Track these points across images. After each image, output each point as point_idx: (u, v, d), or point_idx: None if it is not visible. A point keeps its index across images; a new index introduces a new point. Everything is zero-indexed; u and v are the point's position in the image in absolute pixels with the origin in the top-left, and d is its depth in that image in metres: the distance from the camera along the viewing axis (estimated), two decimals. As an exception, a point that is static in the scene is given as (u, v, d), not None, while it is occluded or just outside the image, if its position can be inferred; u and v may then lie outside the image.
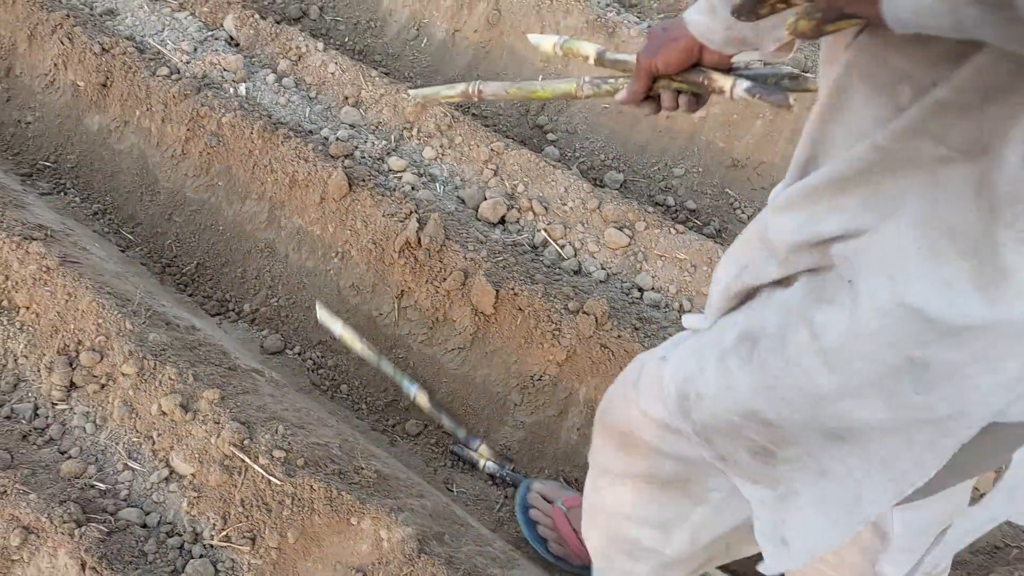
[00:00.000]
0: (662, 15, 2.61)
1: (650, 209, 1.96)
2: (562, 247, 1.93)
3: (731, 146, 2.25)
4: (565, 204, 2.00)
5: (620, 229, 1.92)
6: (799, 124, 2.21)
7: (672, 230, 1.91)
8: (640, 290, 1.87)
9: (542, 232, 1.95)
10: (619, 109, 2.39)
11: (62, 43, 2.26)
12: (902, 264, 0.73)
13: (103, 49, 2.23)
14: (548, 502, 1.56)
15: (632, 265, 1.90)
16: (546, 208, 2.00)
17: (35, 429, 1.49)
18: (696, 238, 1.90)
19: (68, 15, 2.30)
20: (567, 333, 1.71)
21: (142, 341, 1.56)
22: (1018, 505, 0.89)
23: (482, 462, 1.74)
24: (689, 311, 1.82)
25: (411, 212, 1.92)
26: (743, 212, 2.21)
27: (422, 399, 1.77)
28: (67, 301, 1.62)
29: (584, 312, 1.70)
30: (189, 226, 2.13)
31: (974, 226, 0.69)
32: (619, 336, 1.69)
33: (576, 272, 1.89)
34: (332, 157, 2.05)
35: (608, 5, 2.57)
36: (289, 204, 2.04)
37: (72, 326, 1.59)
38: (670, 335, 1.71)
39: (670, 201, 2.25)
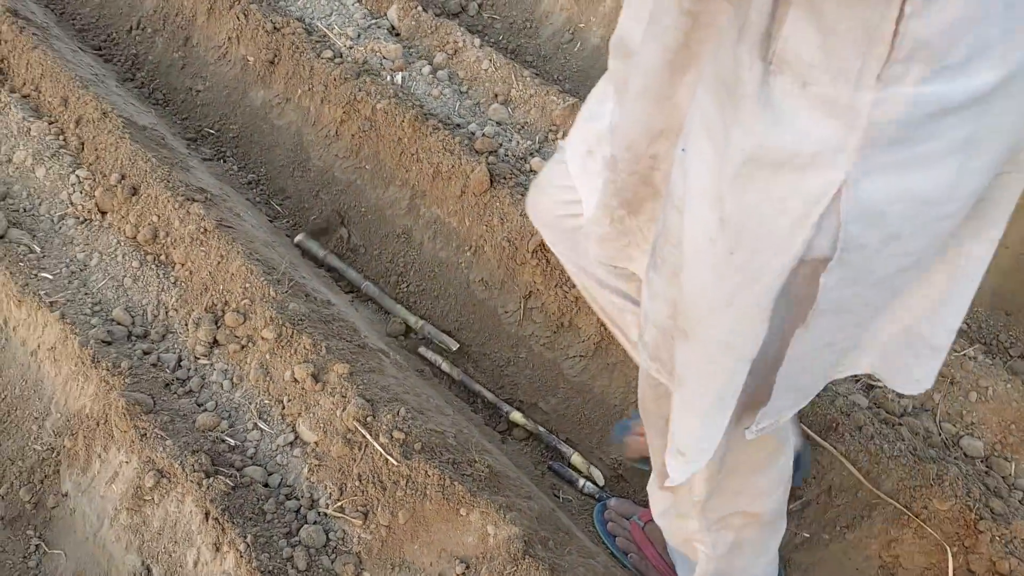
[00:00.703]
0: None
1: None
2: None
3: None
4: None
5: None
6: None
7: None
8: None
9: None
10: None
11: (238, 19, 2.39)
12: (708, 121, 0.83)
13: (274, 28, 2.34)
14: (625, 518, 1.55)
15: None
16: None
17: (177, 379, 1.58)
18: None
19: (246, -7, 2.43)
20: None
21: (283, 309, 1.63)
22: (835, 334, 0.91)
23: (581, 482, 1.71)
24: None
25: (549, 214, 1.92)
26: None
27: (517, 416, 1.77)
28: (219, 263, 1.70)
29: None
30: (334, 204, 2.21)
31: (737, 68, 0.78)
32: (750, 365, 1.63)
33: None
34: (477, 152, 2.07)
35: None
36: (431, 194, 2.08)
37: (221, 287, 1.67)
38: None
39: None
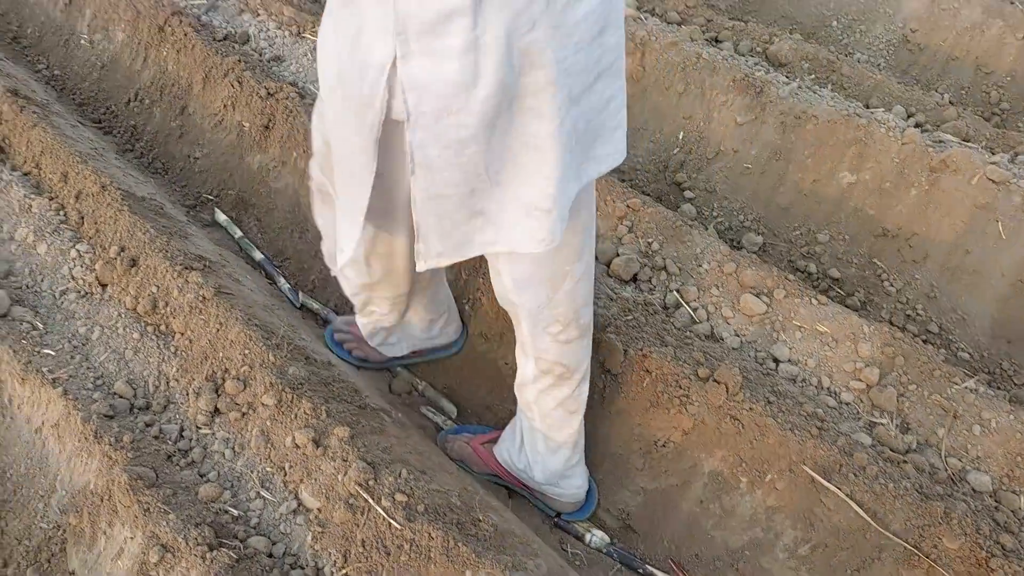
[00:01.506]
0: (812, 75, 2.54)
1: (791, 277, 1.89)
2: (695, 310, 1.89)
3: (882, 215, 2.15)
4: (700, 265, 1.96)
5: (757, 296, 1.86)
6: (958, 197, 2.09)
7: (814, 300, 1.84)
8: (776, 361, 1.80)
9: (675, 293, 1.92)
10: (762, 169, 2.34)
11: (232, 86, 2.44)
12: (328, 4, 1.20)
13: (268, 93, 2.38)
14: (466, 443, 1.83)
15: (768, 334, 1.83)
16: (680, 268, 1.97)
17: (179, 450, 1.58)
18: (840, 311, 1.82)
19: (240, 60, 2.48)
20: (696, 400, 1.66)
21: (282, 374, 1.64)
22: (443, 188, 1.17)
23: (587, 536, 1.70)
24: (829, 387, 1.74)
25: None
26: (891, 285, 2.10)
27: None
28: (218, 330, 1.72)
29: (715, 380, 1.65)
30: (332, 263, 2.23)
31: None
32: (751, 409, 1.63)
33: (708, 337, 1.85)
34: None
35: (756, 64, 2.53)
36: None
37: (221, 354, 1.69)
38: (806, 412, 1.64)
39: (812, 268, 2.17)
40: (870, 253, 2.16)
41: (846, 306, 2.08)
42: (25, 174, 2.13)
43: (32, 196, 2.05)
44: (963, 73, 2.69)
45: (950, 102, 2.53)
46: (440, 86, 1.07)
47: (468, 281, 2.03)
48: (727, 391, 1.64)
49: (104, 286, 1.86)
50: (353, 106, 1.16)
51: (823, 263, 2.18)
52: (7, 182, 2.09)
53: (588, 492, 1.74)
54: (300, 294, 2.14)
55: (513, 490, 1.79)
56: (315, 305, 2.11)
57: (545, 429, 1.61)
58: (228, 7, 2.85)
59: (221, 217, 2.32)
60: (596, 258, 2.05)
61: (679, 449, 1.71)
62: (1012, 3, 2.77)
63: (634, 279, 1.97)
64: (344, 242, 1.37)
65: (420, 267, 1.27)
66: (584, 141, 1.22)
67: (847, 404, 1.71)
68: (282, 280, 2.17)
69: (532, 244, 1.23)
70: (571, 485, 1.70)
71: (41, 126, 2.19)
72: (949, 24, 2.73)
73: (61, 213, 2.02)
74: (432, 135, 1.11)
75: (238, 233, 2.28)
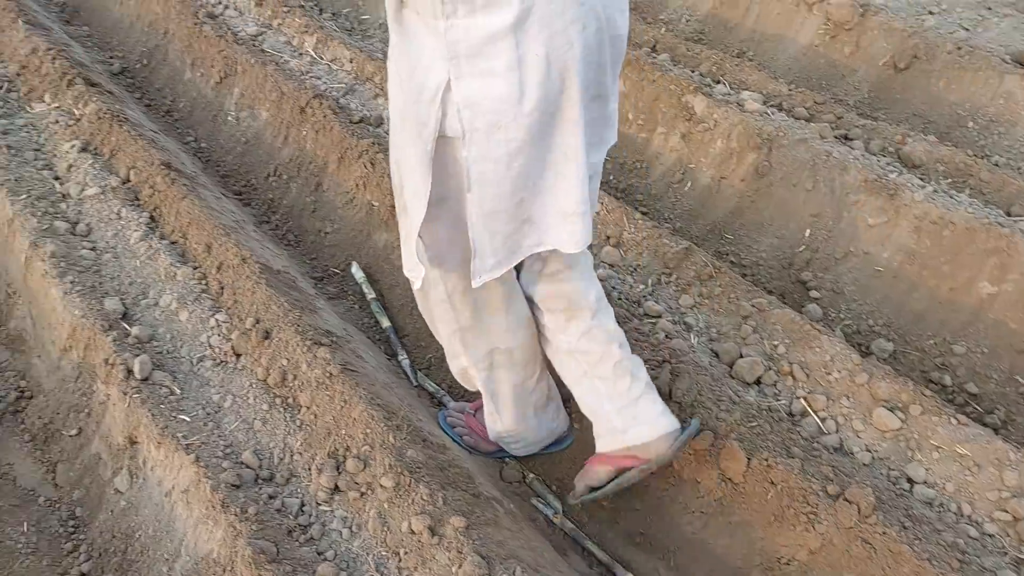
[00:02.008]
0: (947, 179, 2.45)
1: (927, 392, 1.80)
2: (823, 420, 1.81)
3: (1025, 329, 2.04)
4: (829, 373, 1.89)
5: (891, 410, 1.77)
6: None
7: (953, 420, 1.74)
8: (911, 482, 1.70)
9: (801, 401, 1.85)
10: (895, 273, 2.26)
11: (365, 167, 2.55)
12: (391, 40, 1.36)
13: (399, 175, 2.47)
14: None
15: (903, 452, 1.74)
16: (808, 375, 1.91)
17: (299, 525, 1.61)
18: (982, 433, 1.71)
19: (374, 143, 2.60)
20: (824, 519, 1.58)
21: (401, 456, 1.65)
22: (497, 203, 1.33)
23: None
24: (970, 516, 1.62)
25: (664, 360, 1.91)
26: (1036, 405, 1.97)
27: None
28: (342, 407, 1.76)
29: (846, 499, 1.57)
30: (449, 343, 2.26)
31: (390, 8, 1.30)
32: (884, 533, 1.54)
33: (837, 450, 1.77)
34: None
35: (889, 164, 2.48)
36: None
37: (344, 431, 1.72)
38: (946, 541, 1.53)
39: (947, 380, 2.06)
40: (1011, 369, 2.03)
41: (984, 424, 1.96)
42: (172, 243, 2.27)
43: (178, 265, 2.17)
44: (1114, 181, 2.55)
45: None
46: (490, 103, 1.22)
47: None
48: (859, 512, 1.55)
49: (238, 356, 1.94)
50: (411, 127, 1.31)
51: (959, 376, 2.07)
52: (156, 249, 2.22)
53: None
54: (419, 373, 2.17)
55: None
56: (431, 386, 2.14)
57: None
58: (365, 91, 3.00)
59: (359, 274, 2.39)
60: (718, 356, 2.01)
61: (804, 569, 1.62)
62: None
63: (758, 382, 1.92)
64: (406, 260, 1.50)
65: (475, 283, 1.42)
66: (593, 144, 1.40)
67: (991, 536, 1.59)
68: (403, 355, 2.21)
69: (571, 245, 1.40)
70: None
71: (190, 198, 2.33)
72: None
73: (203, 282, 2.13)
74: (485, 150, 1.26)
75: (371, 294, 2.33)
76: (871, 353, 2.15)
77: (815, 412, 1.83)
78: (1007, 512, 1.60)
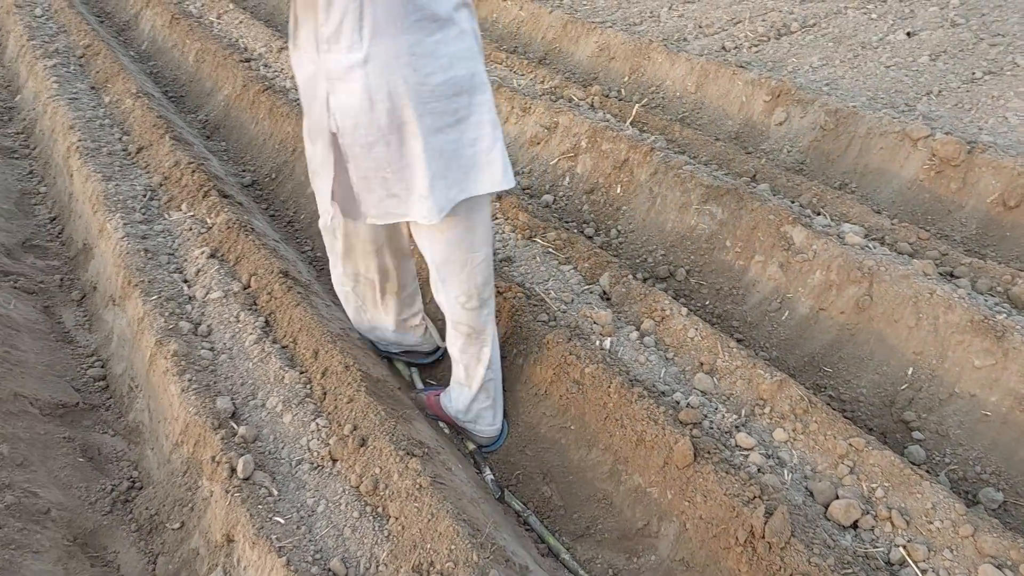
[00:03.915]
0: (1064, 322, 2.36)
1: (1040, 551, 1.69)
2: (924, 572, 1.72)
3: None
4: (931, 522, 1.81)
5: (999, 568, 1.67)
6: None
7: (1069, 585, 1.62)
8: (1021, 649, 1.58)
9: (900, 549, 1.77)
10: (1004, 419, 2.16)
11: (467, 282, 2.66)
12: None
13: (499, 292, 2.57)
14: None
15: (1012, 615, 1.63)
16: (907, 522, 1.83)
17: (379, 638, 1.63)
18: (1103, 603, 1.59)
19: (477, 260, 2.71)
20: None
21: (483, 575, 1.66)
22: (367, 173, 1.88)
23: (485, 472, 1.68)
24: None
25: (755, 496, 1.87)
26: None
27: None
28: (429, 520, 1.79)
29: (948, 663, 1.48)
30: (537, 460, 2.28)
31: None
32: None
33: (939, 606, 1.67)
34: (681, 423, 2.10)
35: (997, 305, 2.41)
36: (632, 461, 2.10)
37: (429, 546, 1.75)
38: None
39: (1064, 539, 1.92)
40: None
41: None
42: (283, 347, 2.41)
43: (286, 368, 2.30)
44: None
45: None
46: (352, 110, 1.76)
47: (672, 502, 1.99)
48: None
49: (335, 461, 2.02)
50: (315, 125, 1.86)
51: (1079, 535, 1.93)
52: (268, 353, 2.36)
53: (500, 433, 2.36)
54: (504, 490, 2.19)
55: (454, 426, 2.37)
56: (517, 504, 2.15)
57: (463, 378, 2.24)
58: (471, 209, 3.16)
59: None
60: (812, 496, 1.96)
61: None
62: None
63: (854, 526, 1.85)
64: (322, 207, 2.02)
65: (368, 221, 1.99)
66: (458, 164, 1.85)
67: None
68: (488, 471, 2.24)
69: (422, 219, 1.88)
70: (484, 423, 2.31)
71: (302, 306, 2.48)
72: None
73: (308, 387, 2.24)
74: (354, 140, 1.81)
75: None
76: (978, 503, 2.04)
77: (915, 563, 1.74)
78: None
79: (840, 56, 4.30)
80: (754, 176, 3.29)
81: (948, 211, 3.13)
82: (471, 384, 2.24)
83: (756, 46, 4.53)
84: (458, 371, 2.26)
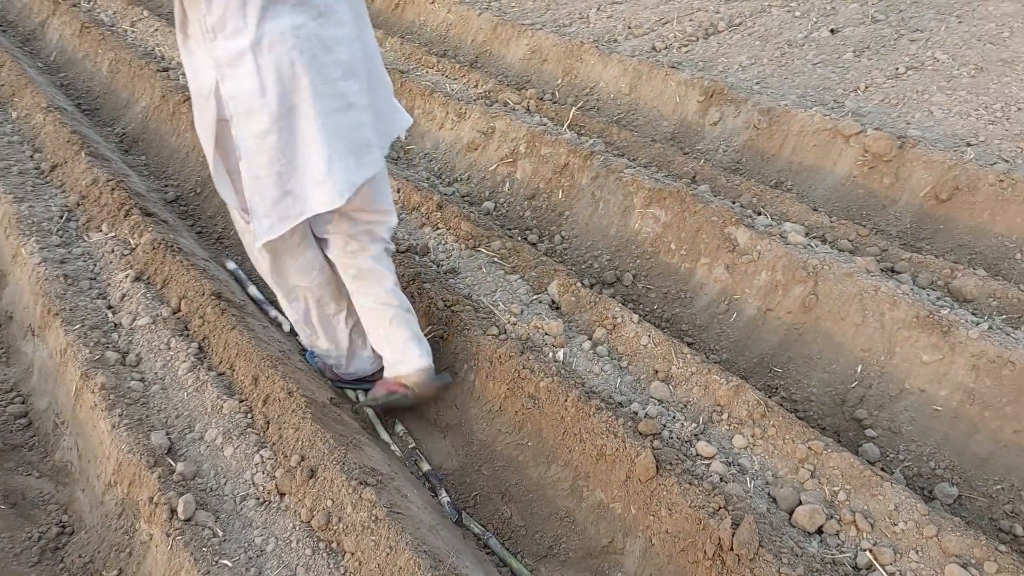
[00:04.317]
0: (1002, 314, 2.41)
1: (1002, 548, 1.71)
2: (893, 574, 1.72)
3: (1100, 477, 1.94)
4: (895, 524, 1.81)
5: (964, 567, 1.68)
6: None
7: (1033, 580, 1.63)
8: (991, 647, 1.59)
9: (867, 553, 1.76)
10: (954, 413, 2.19)
11: (413, 297, 2.57)
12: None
13: (446, 305, 2.49)
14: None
15: (981, 614, 1.63)
16: (872, 525, 1.82)
17: None
18: (1067, 596, 1.61)
19: (420, 273, 2.63)
20: None
21: (448, 610, 1.58)
22: (260, 170, 1.87)
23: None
24: None
25: (720, 507, 1.84)
26: (1119, 560, 1.85)
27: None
28: (388, 555, 1.70)
29: (925, 670, 1.47)
30: (494, 480, 2.21)
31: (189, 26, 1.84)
32: None
33: (909, 609, 1.67)
34: (641, 434, 2.05)
35: (939, 299, 2.44)
36: (594, 476, 2.05)
37: (389, 581, 1.66)
38: None
39: (1018, 530, 1.95)
40: (1089, 520, 1.93)
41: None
42: (220, 374, 2.28)
43: (224, 397, 2.17)
44: None
45: None
46: (243, 95, 1.77)
47: (636, 517, 1.95)
48: None
49: (282, 495, 1.91)
50: (200, 113, 1.87)
51: (1032, 526, 1.97)
52: (204, 381, 2.23)
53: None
54: (462, 512, 2.12)
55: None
56: (477, 528, 2.08)
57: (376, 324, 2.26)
58: (411, 220, 3.07)
59: (399, 427, 2.38)
60: (776, 502, 1.94)
61: None
62: None
63: (819, 531, 1.84)
64: (228, 200, 2.02)
65: (257, 244, 2.02)
66: (351, 148, 1.89)
67: None
68: (444, 494, 2.16)
69: (323, 206, 1.89)
70: (413, 353, 2.26)
71: (239, 329, 2.35)
72: None
73: (249, 416, 2.12)
74: (247, 129, 1.80)
75: (411, 444, 2.31)
76: (935, 498, 2.06)
77: (883, 567, 1.74)
78: None
79: (768, 55, 4.36)
80: (694, 178, 3.28)
81: (882, 206, 3.18)
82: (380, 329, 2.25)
83: (685, 46, 4.56)
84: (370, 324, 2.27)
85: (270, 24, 1.74)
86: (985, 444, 2.12)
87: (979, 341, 2.20)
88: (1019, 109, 3.57)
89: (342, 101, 1.85)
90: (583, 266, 2.98)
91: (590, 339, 2.44)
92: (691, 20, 4.85)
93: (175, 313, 2.50)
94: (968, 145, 3.32)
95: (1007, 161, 3.21)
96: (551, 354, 2.35)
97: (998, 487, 2.05)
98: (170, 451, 2.04)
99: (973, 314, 2.38)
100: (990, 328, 2.26)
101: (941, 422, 2.19)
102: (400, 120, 2.11)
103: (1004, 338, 2.22)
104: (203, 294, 2.49)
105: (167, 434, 2.09)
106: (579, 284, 2.62)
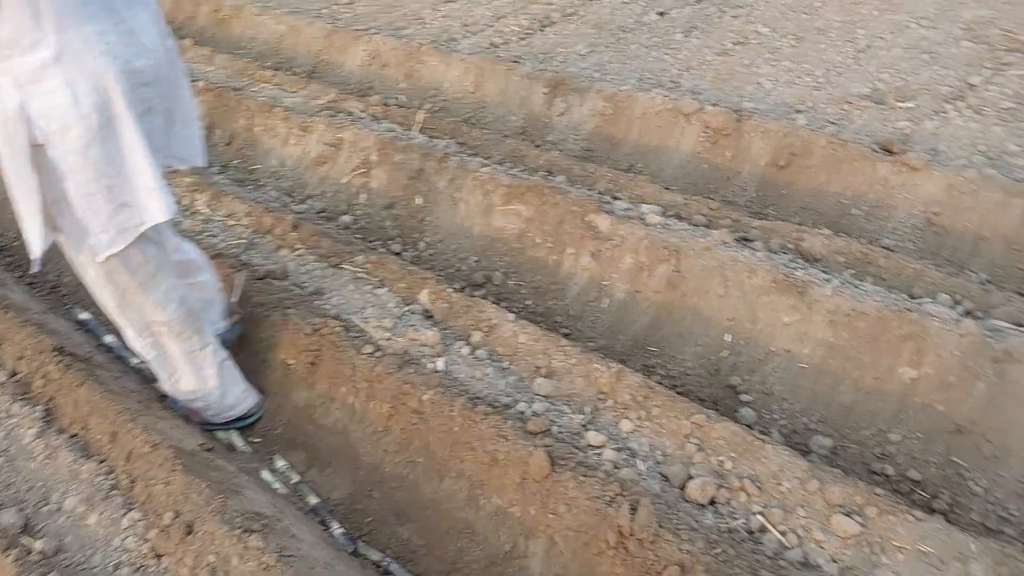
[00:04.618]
0: (849, 269, 2.56)
1: (879, 491, 1.80)
2: (784, 534, 1.78)
3: (952, 410, 2.09)
4: (780, 484, 1.88)
5: (848, 515, 1.76)
6: (1028, 384, 2.04)
7: (910, 516, 1.73)
8: (882, 587, 1.67)
9: (759, 517, 1.82)
10: (818, 368, 2.30)
11: (275, 326, 2.45)
12: None
13: (314, 330, 2.38)
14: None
15: (868, 557, 1.72)
16: (760, 488, 1.88)
17: None
18: (940, 527, 1.71)
19: (282, 299, 2.51)
20: (809, 646, 1.53)
21: (357, 650, 1.51)
22: (87, 187, 1.76)
23: None
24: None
25: (616, 494, 1.85)
26: (977, 484, 2.00)
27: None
28: (285, 603, 1.60)
29: (827, 621, 1.52)
30: (387, 502, 2.14)
31: None
32: (871, 651, 1.49)
33: (804, 564, 1.73)
34: (531, 434, 2.04)
35: (792, 261, 2.56)
36: (489, 483, 2.02)
37: (289, 631, 1.56)
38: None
39: (889, 470, 2.08)
40: (947, 451, 2.07)
41: (932, 509, 1.98)
42: (73, 436, 2.08)
43: (81, 460, 1.99)
44: (994, 251, 2.72)
45: (989, 282, 2.55)
46: (56, 111, 1.65)
47: (536, 517, 1.93)
48: (842, 633, 1.51)
49: (159, 557, 1.77)
50: (7, 142, 1.68)
51: (900, 464, 2.09)
52: (55, 446, 2.03)
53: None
54: (357, 541, 2.03)
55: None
56: (375, 555, 2.00)
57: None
58: (266, 244, 2.93)
59: (280, 463, 2.25)
60: (668, 480, 1.97)
61: None
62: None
63: (712, 503, 1.88)
64: (30, 238, 1.80)
65: (99, 259, 1.86)
66: (177, 151, 1.95)
67: (971, 635, 1.57)
68: (336, 525, 2.07)
69: (161, 215, 1.82)
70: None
71: (88, 384, 2.16)
72: (971, 205, 2.80)
73: (111, 477, 1.95)
74: (64, 150, 1.69)
75: (295, 479, 2.20)
76: (811, 451, 2.16)
77: (774, 527, 1.80)
78: (981, 607, 1.59)
79: (604, 41, 4.45)
80: (549, 170, 3.31)
81: (727, 178, 3.31)
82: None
83: (523, 39, 4.59)
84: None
85: (72, 32, 1.63)
86: (850, 394, 2.24)
87: (833, 297, 2.33)
88: (839, 74, 3.81)
89: (145, 105, 1.80)
90: (451, 271, 2.94)
91: (468, 344, 2.41)
92: (526, 14, 4.90)
93: (13, 376, 2.26)
94: (798, 112, 3.51)
95: (835, 124, 3.42)
96: (430, 365, 2.30)
97: (866, 432, 2.17)
98: (25, 529, 1.85)
99: (824, 272, 2.51)
100: (841, 283, 2.40)
101: (808, 378, 2.30)
102: (193, 151, 2.05)
103: (855, 291, 2.35)
104: (43, 351, 2.27)
105: (20, 510, 1.89)
106: (449, 290, 2.58)
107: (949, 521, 1.85)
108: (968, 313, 2.30)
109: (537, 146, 3.64)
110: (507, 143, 3.50)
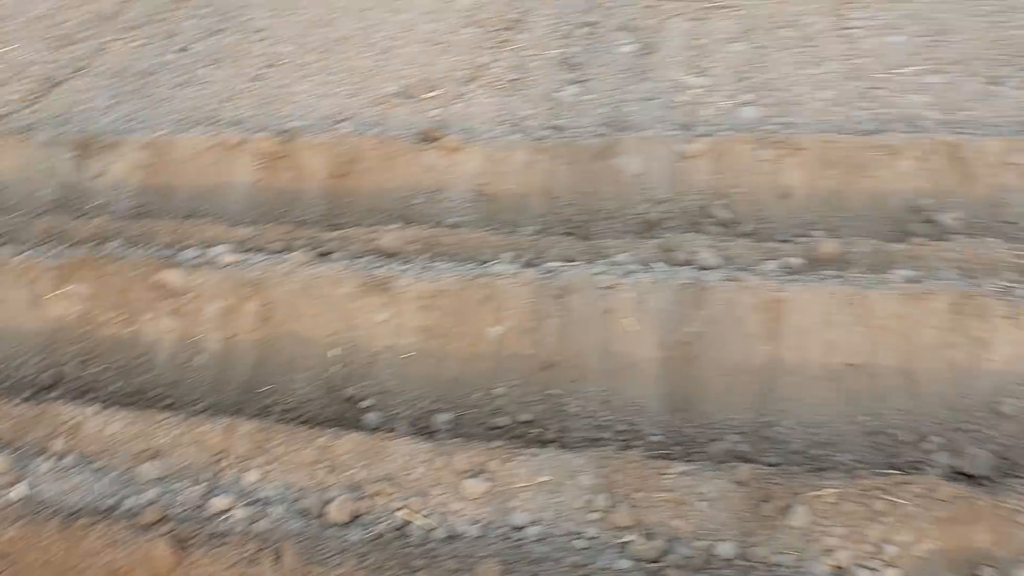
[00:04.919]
0: (425, 253, 2.71)
1: (493, 444, 1.94)
2: (426, 517, 1.84)
3: (539, 350, 2.33)
4: (410, 473, 1.93)
5: (475, 476, 1.87)
6: (590, 313, 2.33)
7: (528, 455, 1.90)
8: (515, 528, 1.81)
9: (399, 513, 1.86)
10: (421, 352, 2.41)
11: None
12: None
13: None
14: None
15: (499, 508, 1.84)
16: (396, 485, 1.92)
17: None
18: (553, 455, 1.90)
19: None
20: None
21: None
22: None
23: None
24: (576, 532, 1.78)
25: (257, 551, 1.76)
26: (572, 406, 2.26)
27: None
28: None
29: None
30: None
31: None
32: (524, 591, 1.60)
33: (450, 538, 1.80)
34: (147, 527, 1.85)
35: (374, 261, 2.64)
36: (116, 598, 1.79)
37: None
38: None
39: (504, 421, 2.25)
40: (544, 387, 2.31)
41: (546, 442, 2.19)
42: None
43: None
44: (537, 205, 3.07)
45: (540, 232, 2.87)
46: None
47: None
48: (496, 585, 1.60)
49: None
50: None
51: (511, 412, 2.28)
52: None
53: None
54: None
55: None
56: None
57: None
58: None
59: None
60: (307, 514, 1.92)
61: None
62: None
63: (356, 517, 1.87)
64: None
65: None
66: None
67: (597, 538, 1.77)
68: None
69: None
70: None
71: None
72: (507, 170, 3.12)
73: None
74: None
75: None
76: (438, 430, 2.26)
77: (418, 514, 1.85)
78: (597, 512, 1.79)
79: (127, 89, 4.15)
80: (100, 239, 3.00)
81: (293, 199, 3.30)
82: None
83: (31, 105, 4.10)
84: None
85: None
86: (454, 366, 2.38)
87: (416, 284, 2.44)
88: (368, 78, 3.99)
89: None
90: (8, 383, 2.53)
91: (49, 456, 2.10)
92: (27, 76, 4.37)
93: None
94: (342, 121, 3.61)
95: (378, 125, 3.57)
96: (5, 497, 1.96)
97: (476, 395, 2.33)
98: None
99: (402, 264, 2.63)
100: (422, 269, 2.52)
101: (415, 365, 2.40)
102: None
103: (432, 273, 2.50)
104: None
105: None
106: (8, 406, 2.22)
107: (563, 447, 2.06)
108: (528, 264, 2.57)
109: (79, 216, 3.28)
110: (41, 222, 3.11)
